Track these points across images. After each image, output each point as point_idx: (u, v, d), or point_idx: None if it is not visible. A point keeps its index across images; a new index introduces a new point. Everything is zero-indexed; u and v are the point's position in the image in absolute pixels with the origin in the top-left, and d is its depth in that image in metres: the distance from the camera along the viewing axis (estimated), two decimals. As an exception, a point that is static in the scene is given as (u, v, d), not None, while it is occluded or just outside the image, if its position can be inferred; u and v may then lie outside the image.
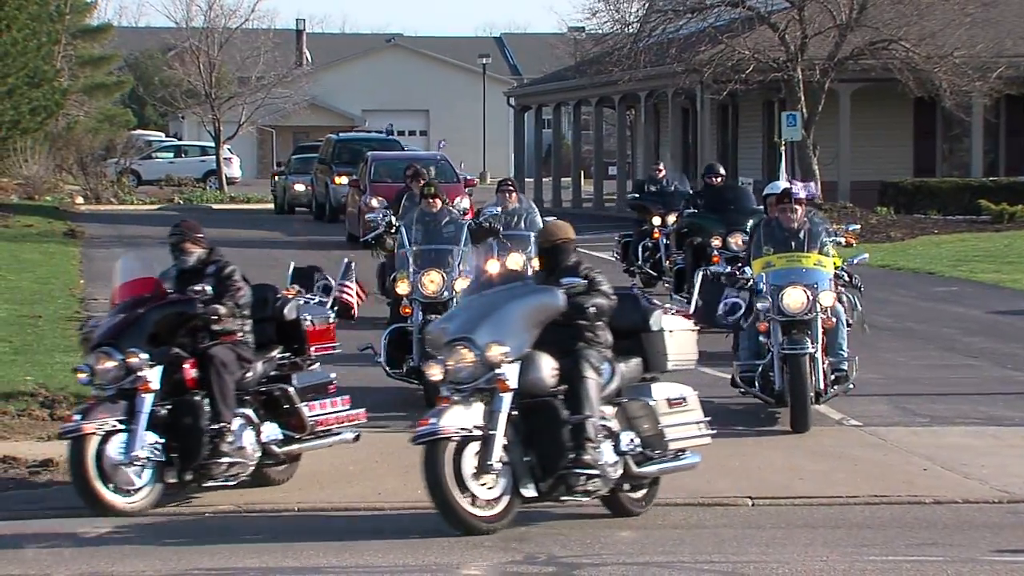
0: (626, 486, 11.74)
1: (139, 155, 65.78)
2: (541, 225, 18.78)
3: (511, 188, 20.08)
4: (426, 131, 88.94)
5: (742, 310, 15.63)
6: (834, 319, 15.16)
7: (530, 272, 17.79)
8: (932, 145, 47.48)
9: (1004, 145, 47.23)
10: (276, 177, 54.47)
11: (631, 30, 44.93)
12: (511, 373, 11.08)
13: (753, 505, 12.41)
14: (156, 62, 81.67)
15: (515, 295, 11.56)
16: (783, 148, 21.62)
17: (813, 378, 14.80)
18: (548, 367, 11.28)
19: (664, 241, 25.58)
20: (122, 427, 11.87)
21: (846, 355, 15.44)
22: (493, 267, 17.55)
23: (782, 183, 20.27)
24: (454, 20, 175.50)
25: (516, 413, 11.19)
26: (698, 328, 12.61)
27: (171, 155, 72.16)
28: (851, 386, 15.48)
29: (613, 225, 45.11)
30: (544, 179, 59.28)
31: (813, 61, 41.69)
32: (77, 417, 11.87)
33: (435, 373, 11.24)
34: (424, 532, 11.43)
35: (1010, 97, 44.59)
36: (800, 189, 16.19)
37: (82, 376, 12.13)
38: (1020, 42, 44.44)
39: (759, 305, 14.99)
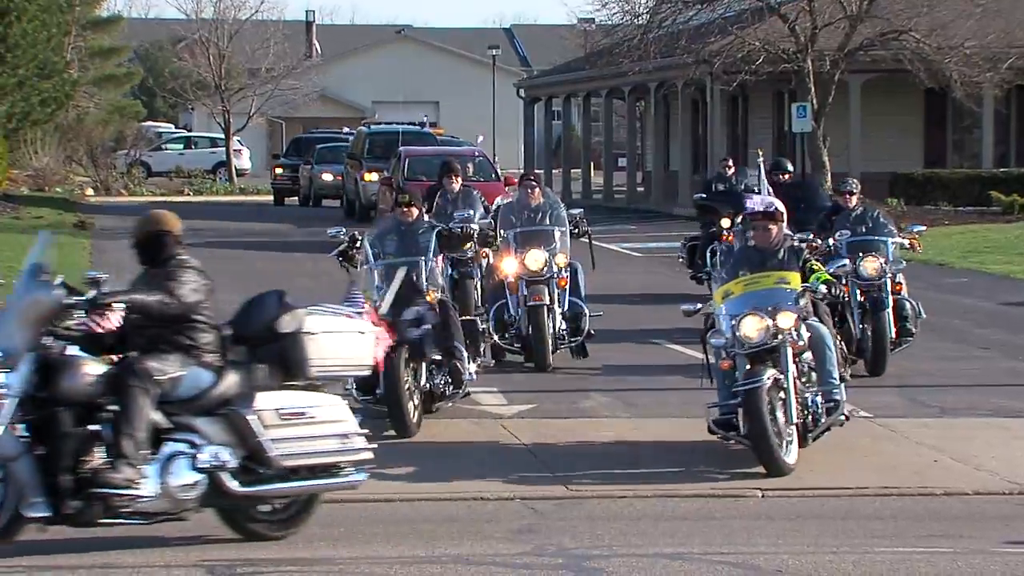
0: (259, 507, 10.68)
1: (149, 147, 65.85)
2: (566, 220, 18.64)
3: (534, 183, 19.25)
4: (436, 123, 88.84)
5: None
6: (802, 343, 13.13)
7: (555, 268, 17.75)
8: (943, 136, 47.41)
9: (1015, 136, 47.16)
10: (279, 170, 53.80)
11: (641, 21, 44.83)
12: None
13: (763, 497, 12.40)
14: (166, 53, 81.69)
15: (17, 296, 10.57)
16: (760, 159, 20.84)
17: (783, 414, 12.81)
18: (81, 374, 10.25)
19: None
20: None
21: (837, 382, 13.40)
22: (511, 265, 17.53)
23: (758, 199, 19.51)
24: (464, 11, 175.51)
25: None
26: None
27: (181, 147, 72.17)
28: (844, 417, 13.49)
29: (623, 216, 45.24)
30: (554, 171, 59.25)
31: (823, 52, 41.61)
32: None
33: None
34: (434, 523, 11.44)
35: (1021, 88, 44.53)
36: (758, 204, 15.70)
37: None
38: (1031, 33, 44.36)
39: (712, 341, 13.29)
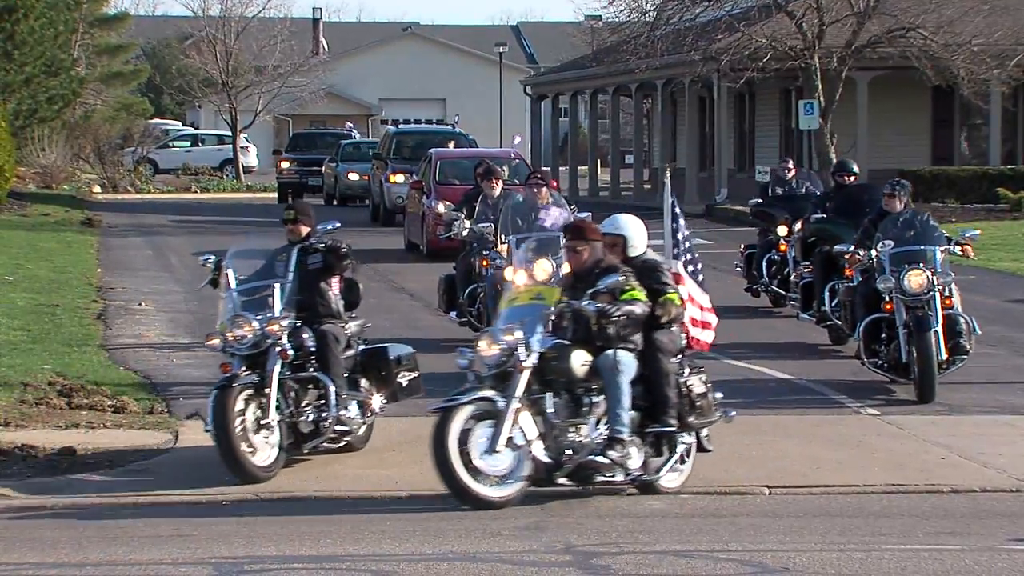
0: None
1: (156, 144, 65.87)
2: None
3: (541, 181, 18.49)
4: (443, 120, 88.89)
5: None
6: (526, 362, 11.70)
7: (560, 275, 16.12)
8: (950, 133, 47.38)
9: (1022, 133, 47.11)
10: (285, 163, 52.73)
11: (648, 18, 44.84)
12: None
13: (770, 494, 12.40)
14: (173, 51, 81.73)
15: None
16: (668, 177, 17.80)
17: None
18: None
19: (792, 254, 21.88)
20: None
21: (622, 429, 11.77)
22: (520, 277, 16.43)
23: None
24: (471, 8, 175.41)
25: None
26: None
27: (188, 144, 72.21)
28: (643, 477, 12.09)
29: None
30: (561, 168, 59.24)
31: (830, 49, 41.60)
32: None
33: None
34: (441, 520, 11.44)
35: (1028, 85, 44.49)
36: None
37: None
38: (1038, 30, 44.32)
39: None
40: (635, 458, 11.94)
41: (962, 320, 16.11)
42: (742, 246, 23.84)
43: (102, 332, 20.34)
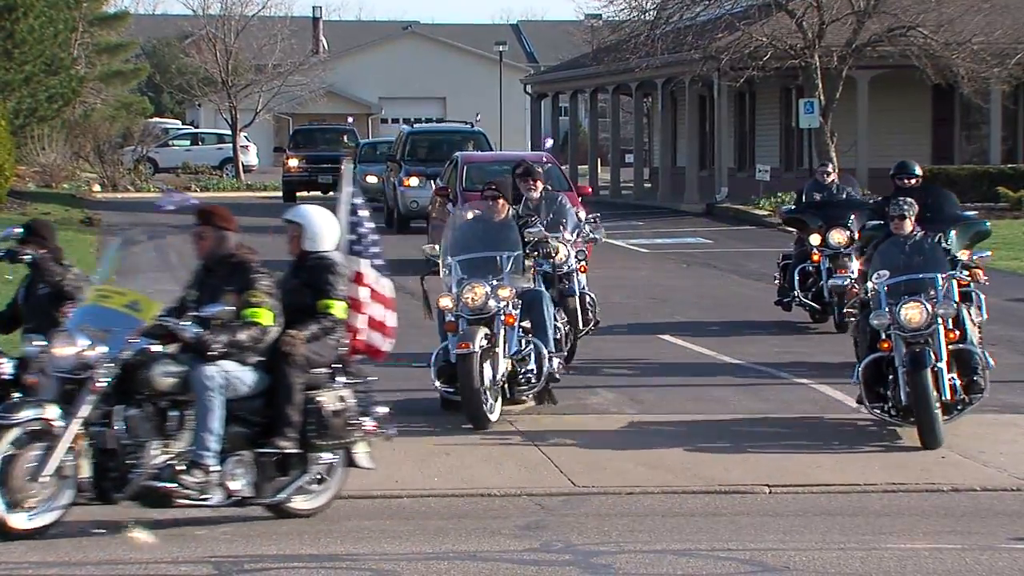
0: None
1: (156, 143, 65.82)
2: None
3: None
4: (443, 119, 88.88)
5: None
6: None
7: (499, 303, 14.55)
8: (950, 132, 47.37)
9: (1022, 132, 47.10)
10: (294, 161, 51.33)
11: (648, 17, 44.84)
12: None
13: (770, 493, 12.39)
14: (173, 50, 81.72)
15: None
16: (346, 166, 15.15)
17: None
18: None
19: (825, 264, 20.35)
20: None
21: (206, 454, 10.80)
22: (446, 302, 14.87)
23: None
24: (471, 7, 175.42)
25: None
26: None
27: (188, 143, 72.20)
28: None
29: (630, 213, 45.20)
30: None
31: (831, 48, 41.59)
32: None
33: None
34: (442, 519, 11.43)
35: (1028, 84, 44.48)
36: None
37: None
38: (1038, 29, 44.32)
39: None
40: (237, 480, 10.92)
41: (976, 354, 14.29)
42: (779, 256, 21.91)
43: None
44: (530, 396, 15.16)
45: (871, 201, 19.94)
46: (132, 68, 69.04)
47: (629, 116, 62.61)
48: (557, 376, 15.28)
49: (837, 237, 20.31)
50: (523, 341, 14.85)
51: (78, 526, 11.18)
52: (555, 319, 15.44)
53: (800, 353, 18.92)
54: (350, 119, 60.06)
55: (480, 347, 14.25)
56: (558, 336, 15.48)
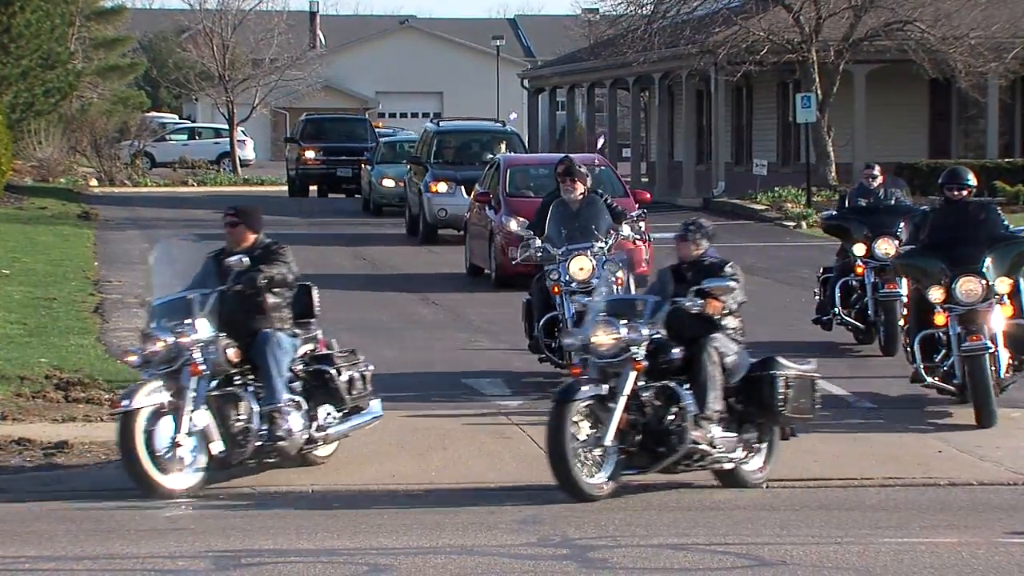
0: None
1: (153, 137, 65.75)
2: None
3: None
4: (440, 113, 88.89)
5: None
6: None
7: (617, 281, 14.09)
8: (947, 126, 47.36)
9: (1020, 126, 47.09)
10: (311, 153, 48.75)
11: (645, 12, 44.84)
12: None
13: (767, 487, 12.40)
14: (170, 44, 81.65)
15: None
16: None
17: None
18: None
19: (871, 279, 18.24)
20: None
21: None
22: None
23: None
24: (468, 2, 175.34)
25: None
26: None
27: (185, 137, 72.14)
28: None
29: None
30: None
31: (828, 42, 41.59)
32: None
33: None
34: (439, 513, 11.43)
35: (1026, 78, 44.48)
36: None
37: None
38: (1035, 23, 44.30)
39: None
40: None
41: None
42: (820, 269, 19.62)
43: (99, 325, 20.32)
44: None
45: (922, 208, 17.22)
46: (129, 63, 68.99)
47: (626, 111, 62.65)
48: None
49: (885, 247, 18.00)
50: None
51: (74, 521, 11.20)
52: None
53: (796, 348, 18.89)
54: (365, 111, 59.40)
55: None
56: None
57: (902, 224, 17.69)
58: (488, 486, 12.28)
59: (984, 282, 14.13)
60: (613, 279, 13.40)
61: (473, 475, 12.62)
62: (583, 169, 16.78)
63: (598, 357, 11.89)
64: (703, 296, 12.20)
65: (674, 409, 11.89)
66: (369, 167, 41.39)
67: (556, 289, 16.07)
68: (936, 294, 14.33)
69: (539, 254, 16.34)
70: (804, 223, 37.41)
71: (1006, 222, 15.15)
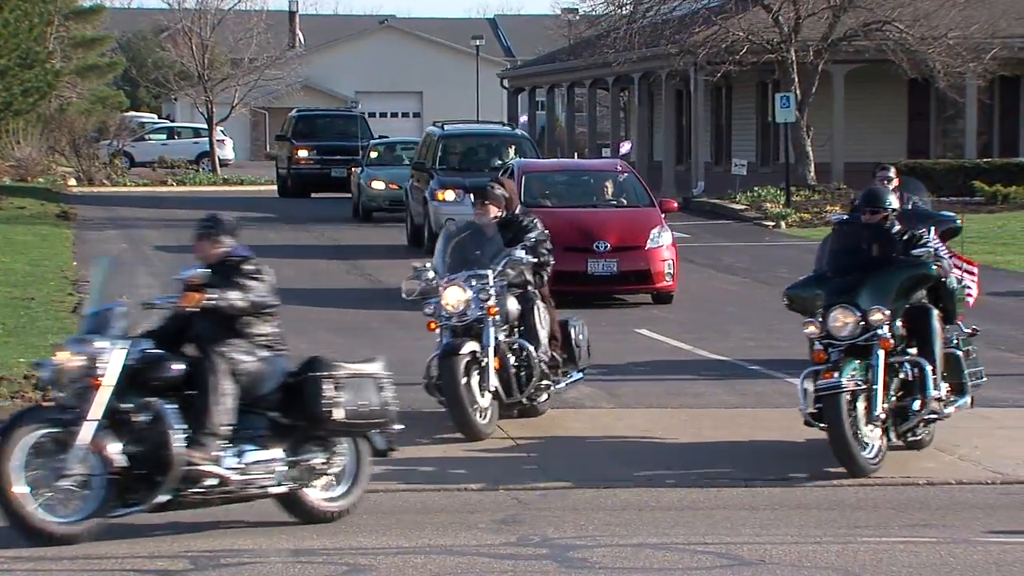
0: None
1: (132, 137, 65.65)
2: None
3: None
4: (420, 113, 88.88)
5: None
6: None
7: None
8: (926, 126, 47.47)
9: (998, 126, 47.23)
10: (303, 152, 47.43)
11: (625, 11, 44.86)
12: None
13: (747, 486, 12.41)
14: (149, 43, 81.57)
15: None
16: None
17: None
18: None
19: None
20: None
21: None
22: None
23: None
24: (448, 1, 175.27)
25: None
26: None
27: (164, 137, 72.01)
28: None
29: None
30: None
31: (807, 42, 41.66)
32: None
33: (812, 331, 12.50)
34: (419, 513, 11.43)
35: (1004, 78, 44.56)
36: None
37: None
38: (1014, 23, 44.40)
39: None
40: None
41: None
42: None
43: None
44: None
45: (947, 214, 16.49)
46: (108, 62, 68.86)
47: (606, 110, 62.67)
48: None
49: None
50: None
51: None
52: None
53: (774, 348, 18.94)
54: (357, 105, 58.54)
55: None
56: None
57: (932, 231, 14.51)
58: (468, 487, 12.27)
59: (858, 314, 12.37)
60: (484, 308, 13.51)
61: (453, 474, 12.59)
62: (499, 191, 14.89)
63: None
64: (186, 288, 10.74)
65: (162, 429, 10.37)
66: (358, 169, 39.64)
67: (432, 325, 14.30)
68: (810, 328, 12.69)
69: (419, 287, 14.48)
70: (783, 223, 37.48)
71: (930, 244, 13.24)
